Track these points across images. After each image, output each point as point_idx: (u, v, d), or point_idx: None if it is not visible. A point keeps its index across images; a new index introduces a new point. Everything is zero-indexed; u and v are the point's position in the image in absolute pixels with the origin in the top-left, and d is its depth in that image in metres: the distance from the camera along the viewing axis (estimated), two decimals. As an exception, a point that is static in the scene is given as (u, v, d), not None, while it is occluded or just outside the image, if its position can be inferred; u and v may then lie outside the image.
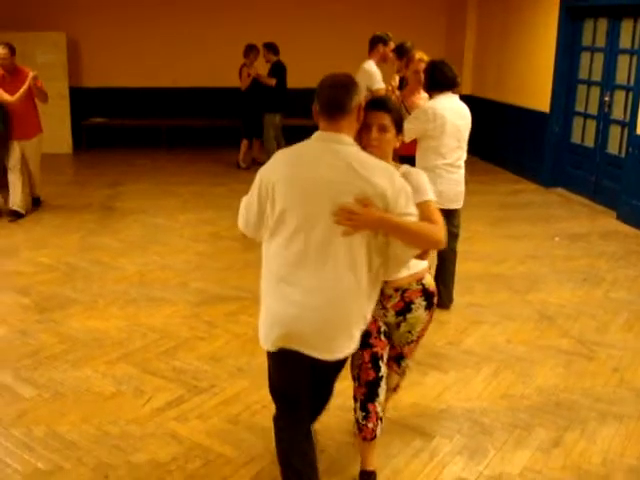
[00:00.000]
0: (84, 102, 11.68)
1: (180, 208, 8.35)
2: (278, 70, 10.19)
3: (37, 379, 4.23)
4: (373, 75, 7.05)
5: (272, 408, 3.93)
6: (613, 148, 8.79)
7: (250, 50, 10.31)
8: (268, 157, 10.49)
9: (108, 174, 10.02)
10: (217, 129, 12.15)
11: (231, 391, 4.13)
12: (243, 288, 5.73)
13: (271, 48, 10.21)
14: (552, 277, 6.28)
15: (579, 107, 9.52)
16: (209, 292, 5.73)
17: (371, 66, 7.16)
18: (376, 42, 7.34)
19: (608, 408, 4.10)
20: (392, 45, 7.20)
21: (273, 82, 10.11)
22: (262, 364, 4.49)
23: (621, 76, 8.63)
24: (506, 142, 10.85)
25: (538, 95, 9.93)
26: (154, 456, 3.49)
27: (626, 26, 8.52)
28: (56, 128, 11.18)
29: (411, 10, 12.01)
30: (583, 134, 9.43)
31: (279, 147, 10.09)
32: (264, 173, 2.75)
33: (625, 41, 8.55)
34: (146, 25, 11.50)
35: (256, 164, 9.84)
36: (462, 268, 5.67)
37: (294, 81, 10.34)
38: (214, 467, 3.41)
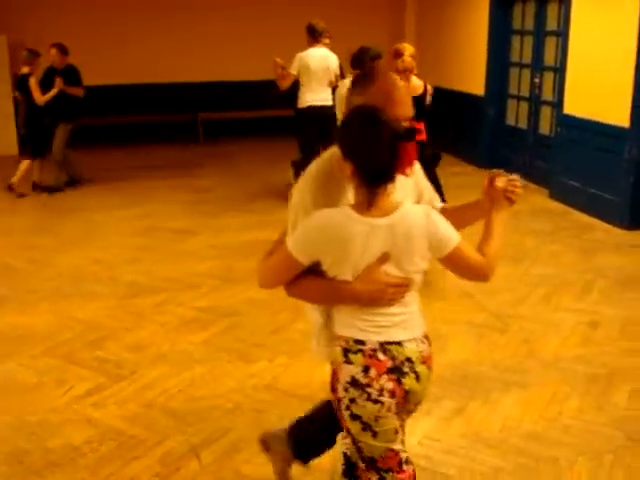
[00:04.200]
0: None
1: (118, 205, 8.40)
2: (75, 75, 8.77)
3: (-38, 373, 4.33)
4: None
5: (188, 392, 4.11)
6: (544, 129, 9.03)
7: (35, 55, 8.62)
8: (60, 170, 8.98)
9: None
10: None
11: (150, 377, 4.26)
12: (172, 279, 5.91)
13: (64, 50, 8.71)
14: (477, 255, 6.44)
15: (512, 90, 9.75)
16: (139, 284, 5.84)
17: None
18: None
19: (513, 378, 4.27)
20: None
21: (81, 92, 8.83)
22: (183, 350, 4.66)
23: (549, 58, 8.86)
24: (445, 126, 11.03)
25: (474, 79, 10.14)
26: (69, 440, 3.62)
27: (552, 8, 8.74)
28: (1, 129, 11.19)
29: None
30: (517, 116, 9.66)
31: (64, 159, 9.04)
32: None
33: (551, 23, 8.78)
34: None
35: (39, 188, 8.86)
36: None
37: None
38: (126, 448, 3.55)
